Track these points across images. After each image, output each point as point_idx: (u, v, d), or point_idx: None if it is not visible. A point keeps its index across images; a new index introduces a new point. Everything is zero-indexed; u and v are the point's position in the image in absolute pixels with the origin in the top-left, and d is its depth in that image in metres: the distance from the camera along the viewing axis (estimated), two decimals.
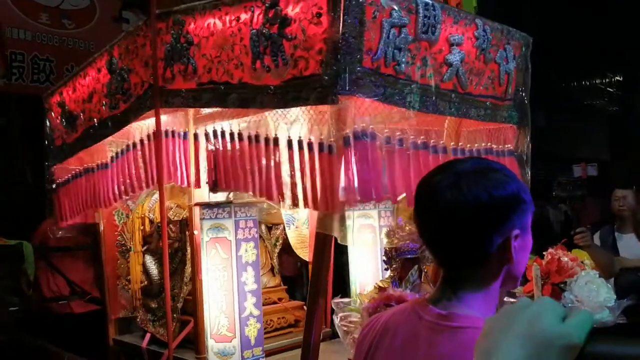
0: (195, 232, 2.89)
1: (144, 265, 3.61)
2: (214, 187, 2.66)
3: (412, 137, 2.29)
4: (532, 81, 2.83)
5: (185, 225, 3.24)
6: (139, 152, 3.03)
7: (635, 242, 3.60)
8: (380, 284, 2.89)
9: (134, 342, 3.54)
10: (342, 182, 2.00)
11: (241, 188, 2.45)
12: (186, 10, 2.54)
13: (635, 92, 11.45)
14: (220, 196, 2.90)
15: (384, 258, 2.91)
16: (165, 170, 2.77)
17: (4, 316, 4.39)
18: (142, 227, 3.63)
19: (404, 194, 2.28)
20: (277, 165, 2.24)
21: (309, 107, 2.12)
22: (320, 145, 2.07)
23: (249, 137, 2.41)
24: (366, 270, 3.32)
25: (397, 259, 2.80)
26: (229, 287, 2.88)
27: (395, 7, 2.08)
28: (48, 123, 3.73)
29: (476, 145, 2.71)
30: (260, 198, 2.38)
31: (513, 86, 2.70)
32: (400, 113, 2.19)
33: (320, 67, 1.96)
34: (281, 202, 2.24)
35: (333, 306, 2.76)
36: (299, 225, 3.52)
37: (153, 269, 3.55)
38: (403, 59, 2.09)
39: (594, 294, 2.75)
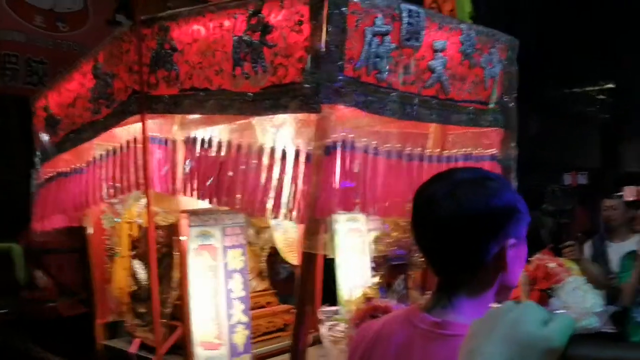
0: (182, 238, 2.88)
1: (132, 269, 3.60)
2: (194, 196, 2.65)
3: (395, 145, 2.28)
4: (525, 88, 2.82)
5: (173, 230, 3.23)
6: (121, 157, 3.01)
7: (624, 251, 3.60)
8: (368, 291, 2.88)
9: (122, 347, 3.53)
10: (324, 192, 1.99)
11: (220, 200, 2.44)
12: (171, 16, 2.53)
13: (626, 100, 11.44)
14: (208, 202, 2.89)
15: (373, 265, 2.91)
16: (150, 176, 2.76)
17: None
18: (130, 232, 3.62)
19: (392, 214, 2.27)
20: (259, 174, 2.23)
21: (290, 114, 2.11)
22: (300, 153, 2.06)
23: (229, 145, 2.40)
24: (354, 274, 3.31)
25: (384, 266, 2.80)
26: (216, 294, 2.87)
27: (379, 15, 2.07)
28: (33, 126, 3.74)
29: (462, 150, 2.69)
30: (240, 212, 2.37)
31: (499, 90, 2.68)
32: (381, 127, 2.19)
33: (300, 75, 1.96)
34: (265, 214, 2.22)
35: (320, 316, 2.75)
36: (287, 229, 3.51)
37: (142, 273, 3.53)
38: (385, 67, 2.08)
39: (580, 300, 2.75)
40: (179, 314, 3.05)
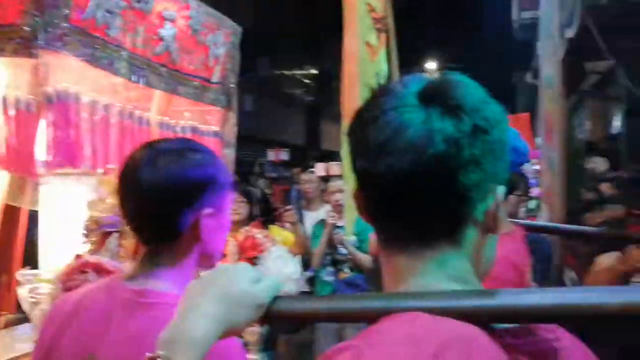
0: None
1: None
2: None
3: (118, 105, 2.27)
4: (243, 68, 3.05)
5: None
6: None
7: (314, 220, 4.15)
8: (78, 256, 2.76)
9: None
10: (40, 145, 1.89)
11: None
12: None
13: (327, 86, 12.87)
14: None
15: (84, 231, 2.79)
16: None
17: None
18: None
19: (112, 166, 2.24)
20: None
21: (6, 58, 1.94)
22: (17, 101, 1.92)
23: None
24: (61, 243, 3.12)
25: (97, 232, 2.72)
26: None
27: None
28: None
29: (182, 122, 2.80)
30: None
31: (222, 71, 2.87)
32: (110, 86, 2.15)
33: (20, 16, 1.82)
34: None
35: (19, 278, 2.54)
36: None
37: None
38: (115, 24, 2.07)
39: (282, 267, 3.10)
40: None
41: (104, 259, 2.27)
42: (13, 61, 1.95)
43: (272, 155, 11.70)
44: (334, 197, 3.72)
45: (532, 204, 5.28)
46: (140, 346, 0.79)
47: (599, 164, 5.03)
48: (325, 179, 4.75)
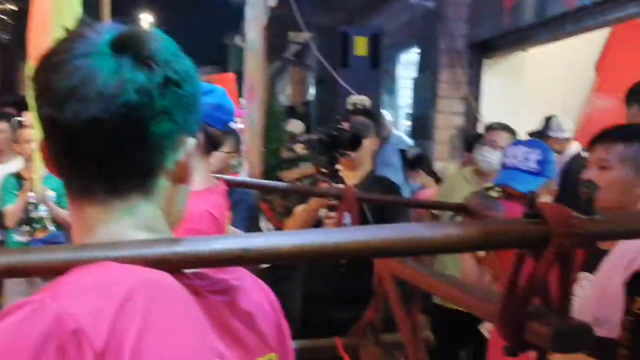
0: None
1: None
2: None
3: None
4: None
5: None
6: None
7: (4, 173, 3.64)
8: None
9: None
10: None
11: None
12: None
13: (23, 24, 11.39)
14: None
15: None
16: None
17: None
18: None
19: None
20: None
21: None
22: None
23: None
24: None
25: None
26: None
27: None
28: None
29: None
30: None
31: None
32: None
33: None
34: None
35: None
36: None
37: None
38: None
39: None
40: None
41: None
42: None
43: None
44: (26, 147, 3.34)
45: (235, 160, 5.57)
46: None
47: (296, 126, 5.58)
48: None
